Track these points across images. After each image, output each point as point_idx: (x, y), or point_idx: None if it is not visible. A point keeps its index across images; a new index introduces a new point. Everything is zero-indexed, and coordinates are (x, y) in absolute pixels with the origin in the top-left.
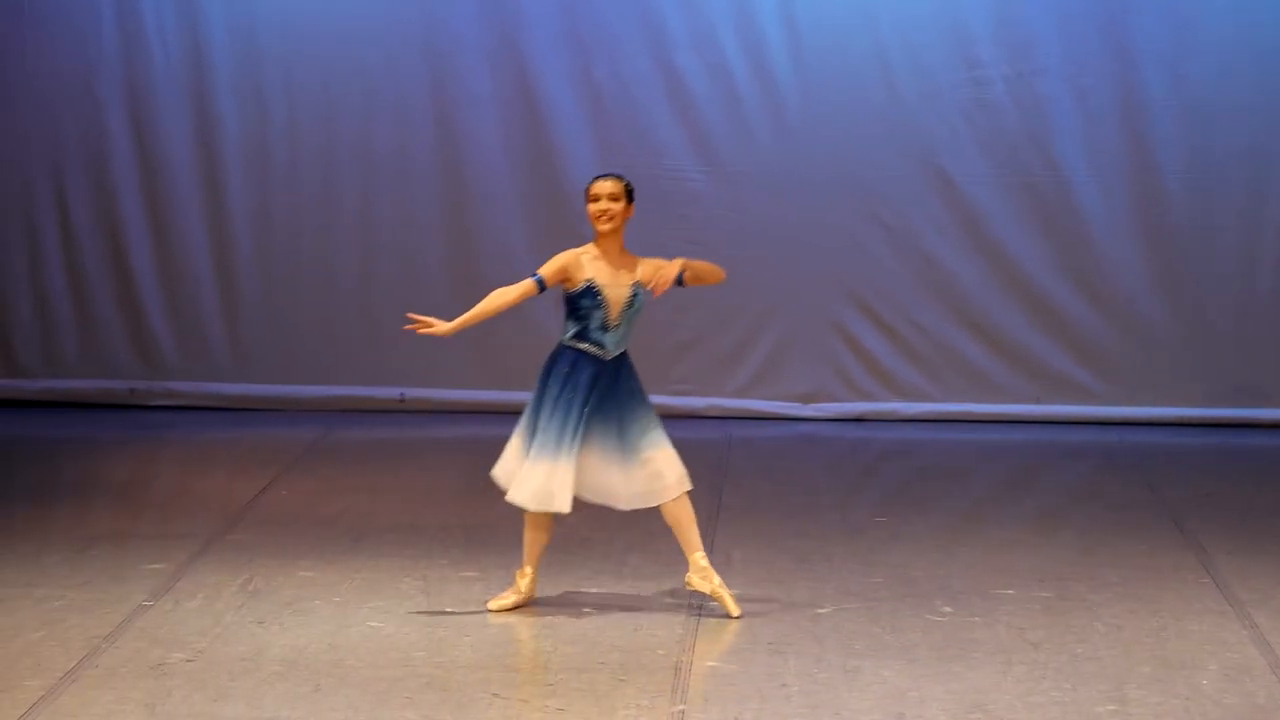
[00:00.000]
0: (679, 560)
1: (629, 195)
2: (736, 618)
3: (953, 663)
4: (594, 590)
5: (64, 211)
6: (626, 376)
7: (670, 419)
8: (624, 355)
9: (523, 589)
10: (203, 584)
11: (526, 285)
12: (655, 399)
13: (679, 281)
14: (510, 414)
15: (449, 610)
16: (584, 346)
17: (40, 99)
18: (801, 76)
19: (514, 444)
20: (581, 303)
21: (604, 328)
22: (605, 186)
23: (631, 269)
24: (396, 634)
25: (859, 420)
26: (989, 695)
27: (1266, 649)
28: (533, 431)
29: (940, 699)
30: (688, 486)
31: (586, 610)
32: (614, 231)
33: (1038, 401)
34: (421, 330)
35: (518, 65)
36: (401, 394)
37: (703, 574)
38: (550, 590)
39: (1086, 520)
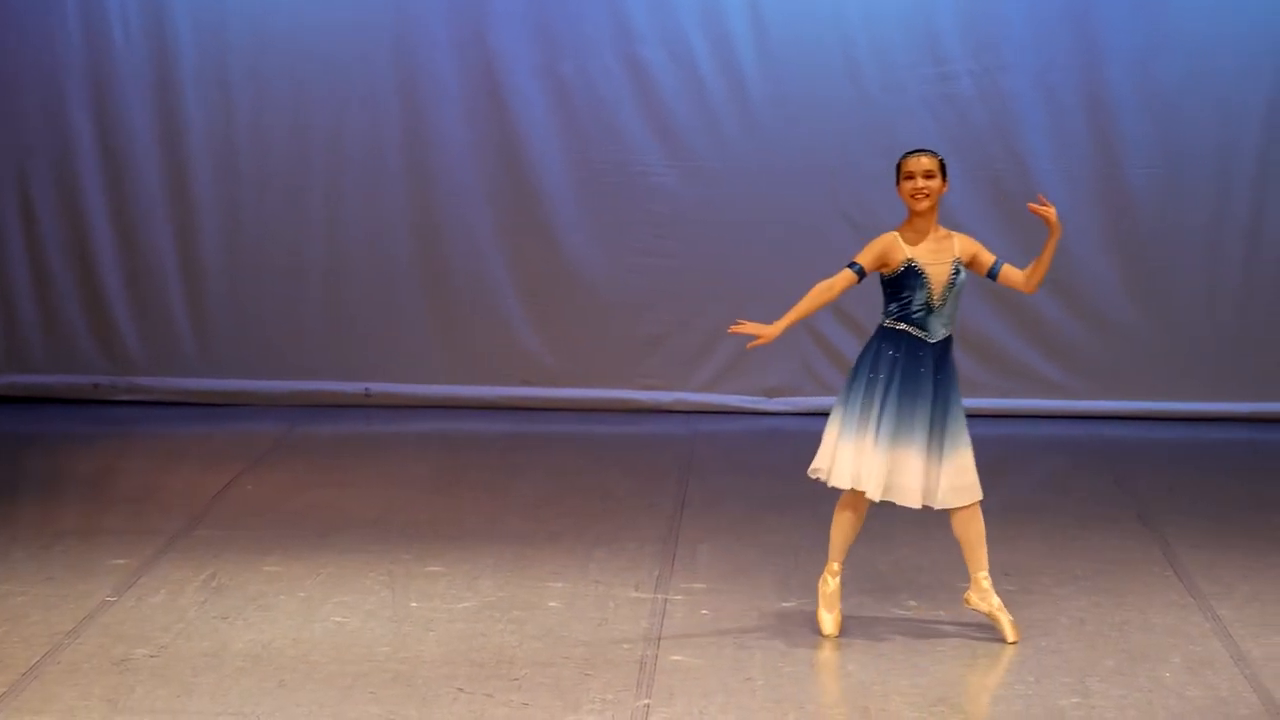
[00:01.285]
0: (644, 555)
1: (943, 171)
2: (1012, 643)
3: (918, 656)
4: (559, 585)
5: (27, 206)
6: (951, 364)
7: (636, 414)
8: (949, 341)
9: (830, 589)
10: (167, 579)
11: (846, 275)
12: (620, 393)
13: (991, 275)
14: (476, 409)
15: (414, 605)
16: (904, 328)
17: (2, 93)
18: (768, 72)
19: (828, 430)
20: (904, 284)
21: (928, 308)
22: (922, 163)
23: (949, 246)
24: (362, 629)
25: (824, 414)
26: (954, 688)
27: (1229, 641)
28: (843, 412)
29: (905, 692)
30: (979, 496)
31: (552, 604)
32: (930, 209)
33: (1005, 395)
34: (751, 342)
35: (485, 60)
36: (367, 388)
37: (983, 595)
38: (516, 585)
39: (1052, 514)
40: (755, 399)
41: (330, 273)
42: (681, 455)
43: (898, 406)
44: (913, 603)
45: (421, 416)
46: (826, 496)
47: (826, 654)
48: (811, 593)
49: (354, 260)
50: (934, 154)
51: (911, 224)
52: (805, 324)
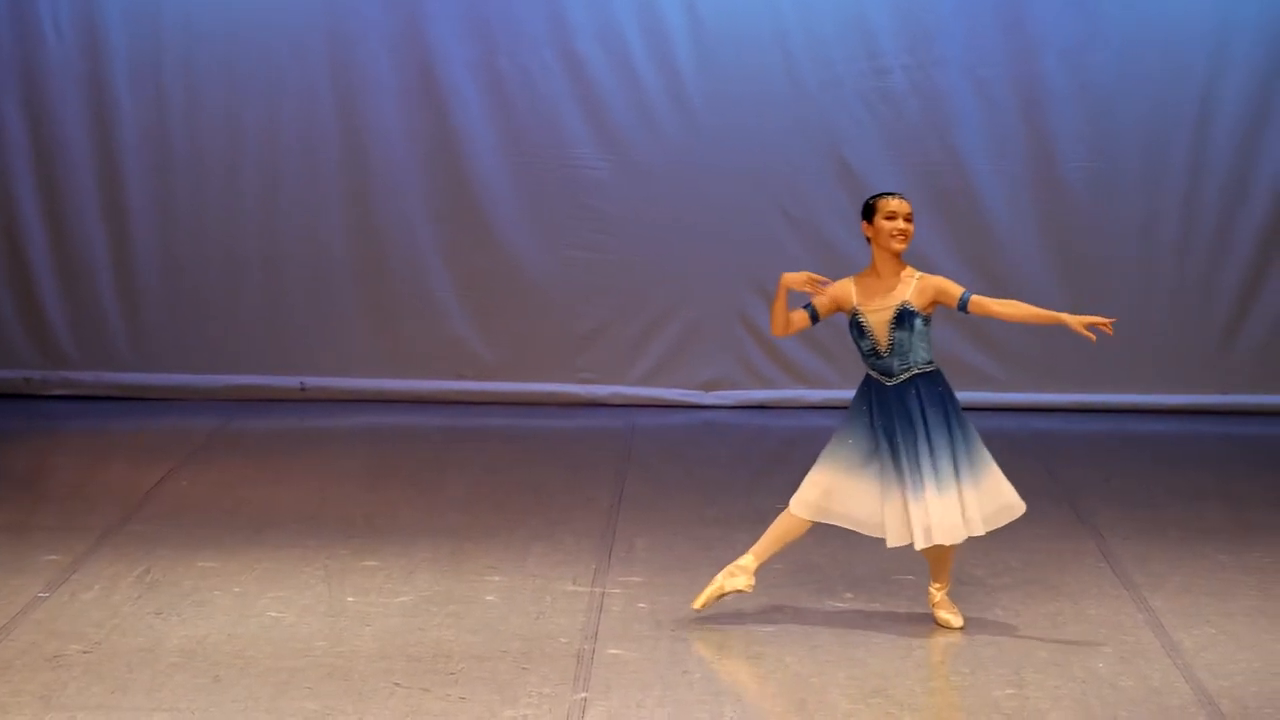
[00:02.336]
0: (581, 549)
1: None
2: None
3: (854, 648)
4: (496, 579)
5: None
6: (925, 401)
7: (573, 407)
8: (920, 379)
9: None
10: (100, 575)
11: (800, 316)
12: (557, 387)
13: (960, 308)
14: (411, 403)
15: (351, 600)
16: (867, 369)
17: None
18: (704, 66)
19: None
20: (853, 330)
21: (876, 354)
22: (905, 205)
23: (901, 291)
24: (297, 624)
25: (761, 407)
26: (890, 680)
27: (1161, 632)
28: (832, 446)
29: (842, 684)
30: (958, 540)
31: (489, 598)
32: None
33: None
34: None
35: (421, 54)
36: (302, 383)
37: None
38: (452, 579)
39: None
40: (692, 393)
41: (265, 266)
42: (619, 449)
43: (850, 440)
44: (849, 595)
45: (357, 411)
46: (762, 491)
47: (763, 647)
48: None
49: (289, 254)
50: (908, 200)
51: (877, 266)
52: (742, 319)
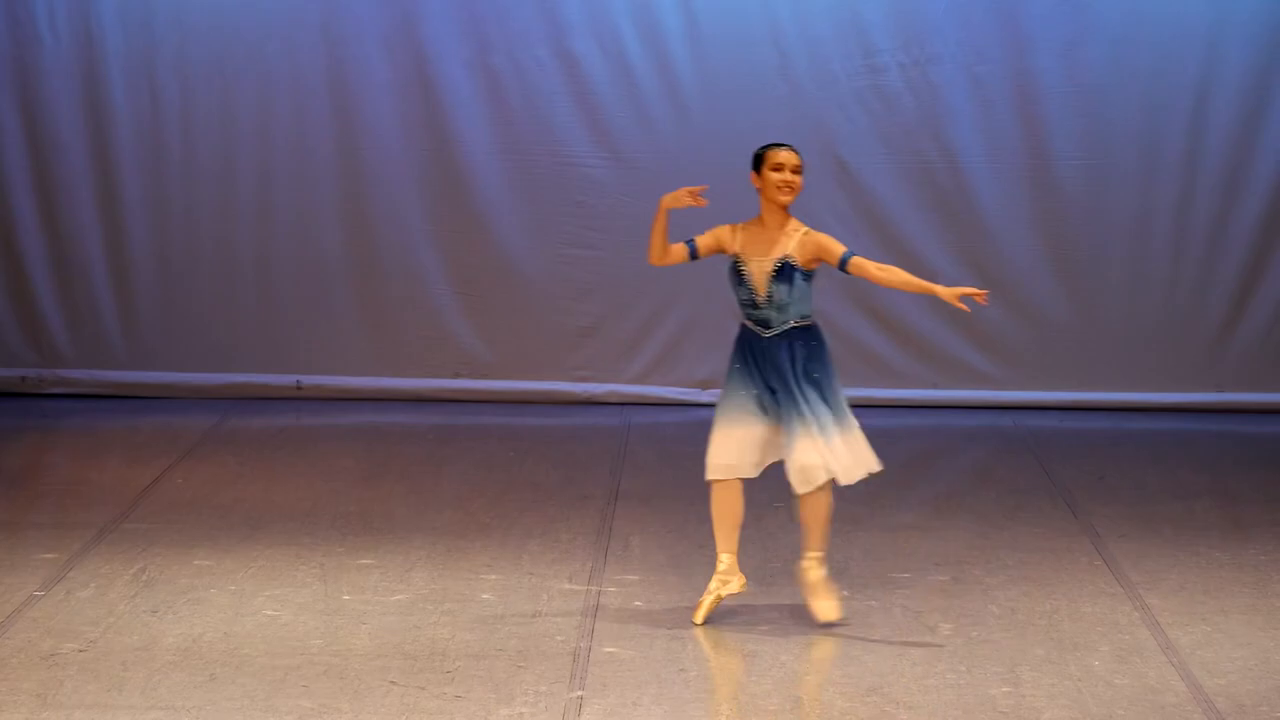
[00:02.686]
0: (577, 547)
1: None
2: (823, 623)
3: (850, 646)
4: (492, 577)
5: None
6: (804, 354)
7: (569, 405)
8: (796, 332)
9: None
10: (96, 573)
11: (680, 249)
12: (553, 385)
13: (840, 267)
14: (407, 401)
15: (347, 598)
16: (743, 321)
17: None
18: (699, 64)
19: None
20: (732, 278)
21: (753, 304)
22: (793, 158)
23: (785, 244)
24: (293, 622)
25: None
26: (886, 678)
27: (1157, 630)
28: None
29: (838, 682)
30: (818, 481)
31: (485, 596)
32: (788, 204)
33: (934, 386)
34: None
35: (415, 51)
36: (298, 381)
37: (804, 571)
38: (448, 577)
39: (983, 504)
40: (688, 390)
41: (260, 265)
42: (614, 447)
43: (734, 393)
44: (844, 593)
45: (353, 409)
46: (757, 490)
47: (759, 645)
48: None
49: (284, 252)
50: (799, 153)
51: (763, 217)
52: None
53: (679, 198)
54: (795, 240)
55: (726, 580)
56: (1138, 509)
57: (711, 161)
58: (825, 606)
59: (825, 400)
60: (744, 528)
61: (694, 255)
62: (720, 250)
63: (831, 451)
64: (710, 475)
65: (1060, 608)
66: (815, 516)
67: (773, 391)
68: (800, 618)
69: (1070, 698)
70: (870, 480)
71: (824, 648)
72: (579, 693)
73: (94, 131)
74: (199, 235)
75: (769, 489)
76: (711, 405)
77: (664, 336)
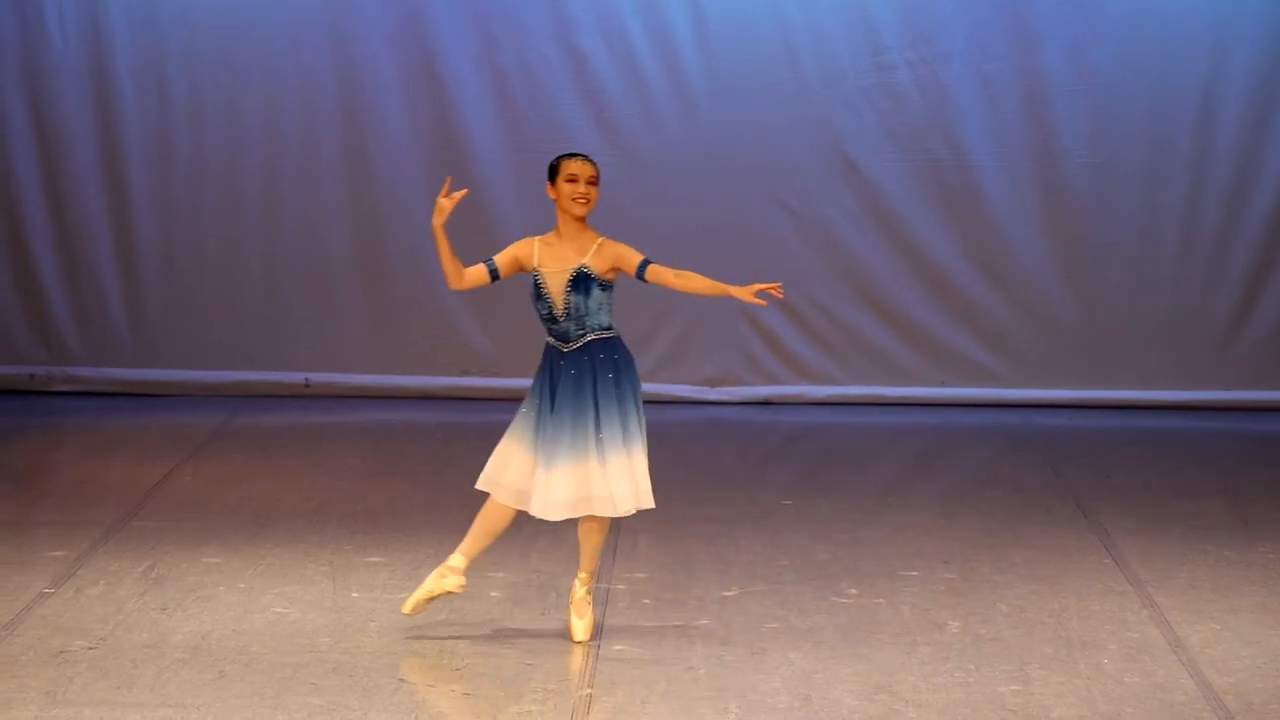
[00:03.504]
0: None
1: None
2: (577, 642)
3: (858, 644)
4: (500, 575)
5: None
6: (604, 370)
7: None
8: (596, 345)
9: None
10: (105, 571)
11: (478, 270)
12: None
13: (639, 276)
14: (415, 399)
15: (355, 596)
16: (546, 337)
17: None
18: (707, 62)
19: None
20: (533, 293)
21: (553, 318)
22: (588, 168)
23: (577, 256)
24: (302, 619)
25: (765, 404)
26: (894, 676)
27: (1166, 628)
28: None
29: (846, 680)
30: (588, 511)
31: (493, 594)
32: (584, 216)
33: (942, 384)
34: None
35: (423, 49)
36: (306, 379)
37: (573, 590)
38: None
39: (990, 502)
40: (696, 388)
41: (268, 262)
42: None
43: (523, 410)
44: (853, 591)
45: (361, 407)
46: (765, 488)
47: (767, 643)
48: (753, 580)
49: (292, 250)
50: (594, 163)
51: (560, 228)
52: (745, 314)
53: (443, 209)
54: (592, 250)
55: (444, 575)
56: (1146, 507)
57: (719, 159)
58: (576, 626)
59: (619, 420)
60: (758, 522)
61: (495, 276)
62: (521, 269)
63: (607, 478)
64: (480, 484)
65: (1069, 606)
66: (589, 539)
67: (552, 409)
68: (808, 615)
69: (1079, 696)
70: (878, 478)
71: (832, 645)
72: (588, 691)
73: (102, 130)
74: (206, 233)
75: (777, 485)
76: (719, 403)
77: (672, 335)
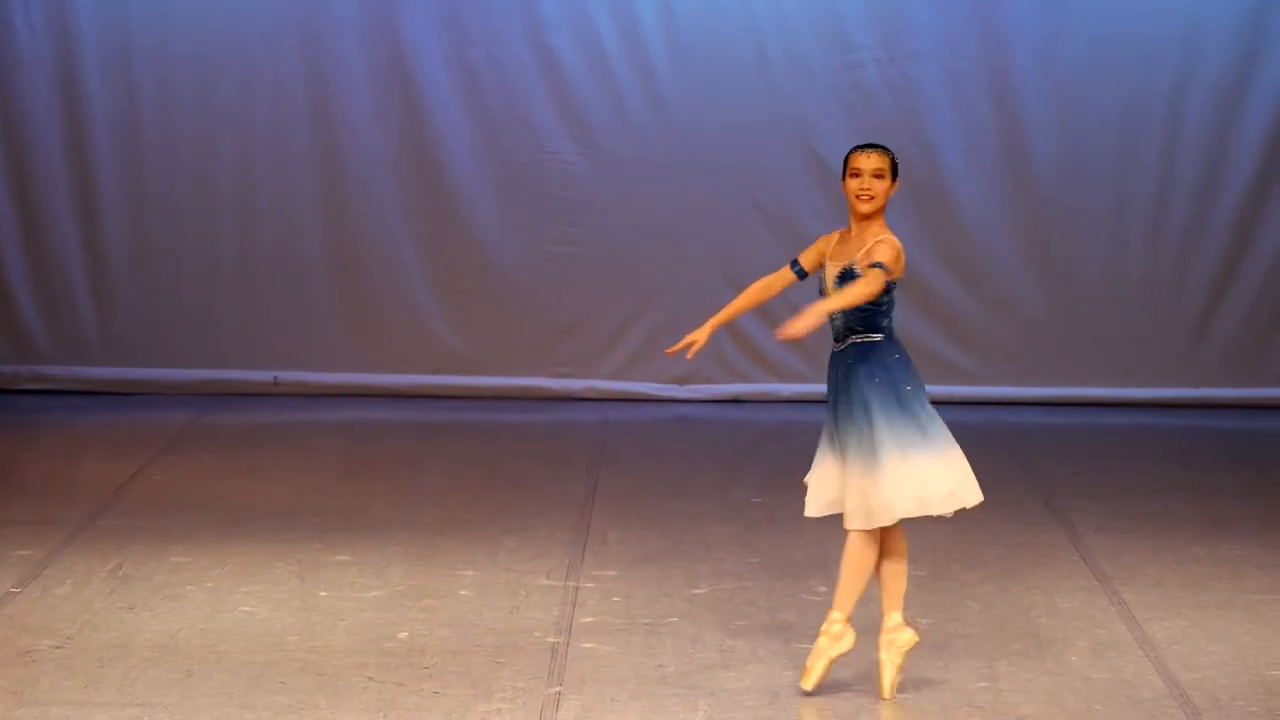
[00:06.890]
0: (555, 543)
1: (895, 170)
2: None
3: None
4: (470, 573)
5: None
6: (861, 375)
7: (547, 401)
8: (856, 350)
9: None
10: (72, 570)
11: (784, 274)
12: (531, 381)
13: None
14: (385, 397)
15: (324, 594)
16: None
17: None
18: (677, 61)
19: None
20: (818, 288)
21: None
22: (871, 160)
23: (857, 251)
24: (271, 619)
25: (736, 401)
26: (863, 673)
27: (1134, 625)
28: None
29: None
30: (858, 525)
31: (463, 593)
32: (875, 212)
33: None
34: (690, 352)
35: (394, 46)
36: (275, 377)
37: (888, 637)
38: (426, 573)
39: None
40: (666, 386)
41: (238, 260)
42: (592, 443)
43: (826, 420)
44: (822, 589)
45: (331, 405)
46: (736, 486)
47: (736, 640)
48: (723, 578)
49: (262, 247)
50: (885, 150)
51: (850, 225)
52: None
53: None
54: (866, 249)
55: (839, 639)
56: (1115, 504)
57: (690, 158)
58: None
59: (891, 422)
60: (728, 520)
61: (801, 275)
62: (820, 264)
63: (858, 488)
64: (808, 513)
65: (1037, 603)
66: (855, 565)
67: (836, 418)
68: (778, 613)
69: (1047, 692)
70: None
71: (802, 643)
72: (557, 688)
73: (70, 125)
74: (176, 230)
75: (747, 483)
76: (689, 401)
77: (643, 333)
